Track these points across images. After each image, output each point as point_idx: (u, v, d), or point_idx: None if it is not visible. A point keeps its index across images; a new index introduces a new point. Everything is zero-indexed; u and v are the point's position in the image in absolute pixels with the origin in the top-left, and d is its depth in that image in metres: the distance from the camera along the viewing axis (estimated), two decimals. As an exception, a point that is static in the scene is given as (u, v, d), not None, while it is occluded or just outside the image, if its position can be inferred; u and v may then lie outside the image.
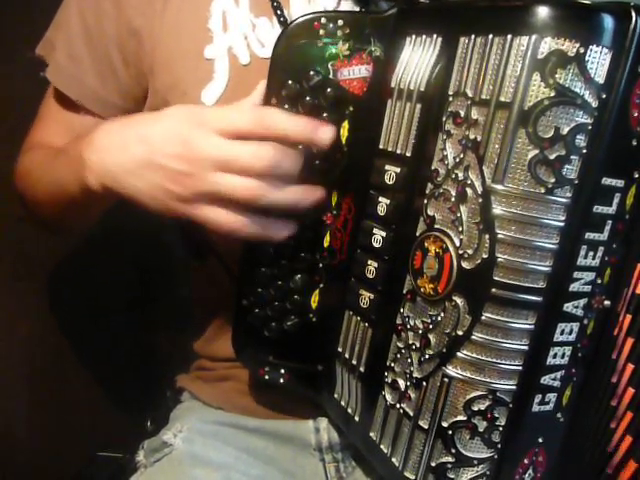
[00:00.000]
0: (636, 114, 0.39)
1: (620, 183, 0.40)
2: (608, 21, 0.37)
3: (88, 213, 0.62)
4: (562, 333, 0.42)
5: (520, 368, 0.42)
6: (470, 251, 0.41)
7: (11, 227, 0.83)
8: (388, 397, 0.49)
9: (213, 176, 0.44)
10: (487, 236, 0.40)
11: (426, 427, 0.45)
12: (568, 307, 0.42)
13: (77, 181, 0.52)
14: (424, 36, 0.46)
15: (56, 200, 0.58)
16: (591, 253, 0.41)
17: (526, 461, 0.45)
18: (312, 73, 0.50)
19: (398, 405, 0.48)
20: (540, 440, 0.45)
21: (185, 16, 0.57)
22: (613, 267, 0.42)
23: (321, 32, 0.50)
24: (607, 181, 0.40)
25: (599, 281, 0.42)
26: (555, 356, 0.43)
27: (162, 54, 0.58)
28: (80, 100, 0.61)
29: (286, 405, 0.62)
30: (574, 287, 0.41)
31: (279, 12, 0.58)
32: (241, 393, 0.62)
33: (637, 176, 0.40)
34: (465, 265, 0.42)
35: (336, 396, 0.57)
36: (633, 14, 0.37)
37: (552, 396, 0.44)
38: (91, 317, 0.91)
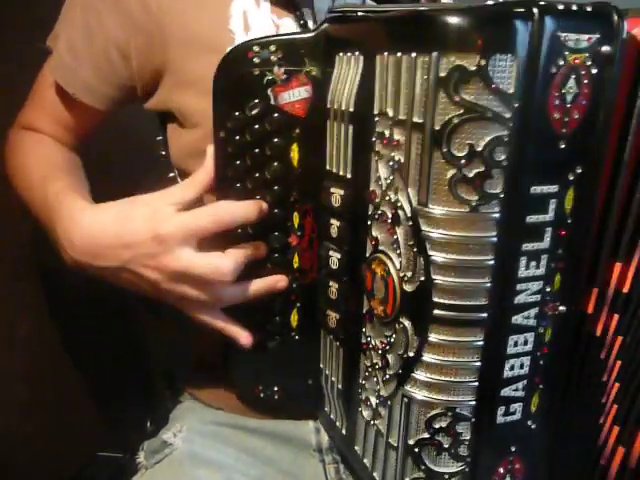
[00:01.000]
0: (558, 116, 0.36)
1: (553, 188, 0.38)
2: (509, 26, 0.34)
3: None
4: (516, 345, 0.41)
5: (476, 384, 0.42)
6: (409, 274, 0.41)
7: (11, 227, 0.83)
8: (365, 414, 0.49)
9: (180, 285, 0.51)
10: (421, 258, 0.40)
11: (396, 445, 0.45)
12: (517, 319, 0.41)
13: (58, 246, 0.56)
14: (349, 54, 0.45)
15: (39, 219, 0.61)
16: (533, 263, 0.39)
17: (501, 470, 0.45)
18: (253, 102, 0.50)
19: (372, 422, 0.48)
20: (513, 449, 0.45)
21: (204, 15, 0.57)
22: (563, 272, 0.40)
23: (255, 60, 0.50)
24: (537, 189, 0.38)
25: (548, 289, 0.40)
26: (512, 368, 0.42)
27: (178, 52, 0.58)
28: (75, 94, 0.62)
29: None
30: (520, 299, 0.40)
31: (298, 13, 0.57)
32: None
33: (572, 178, 0.38)
34: (406, 288, 0.41)
35: (326, 409, 0.58)
36: (536, 13, 0.34)
37: (517, 406, 0.43)
38: (91, 317, 0.91)
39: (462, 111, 0.36)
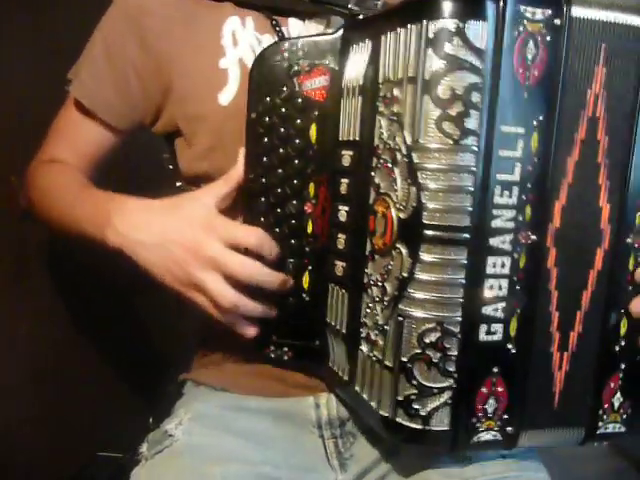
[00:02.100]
0: (521, 70, 0.46)
1: (520, 130, 0.47)
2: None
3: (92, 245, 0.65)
4: (494, 266, 0.49)
5: (461, 300, 0.48)
6: (404, 203, 0.49)
7: (11, 227, 0.85)
8: (364, 349, 0.55)
9: (205, 272, 0.57)
10: (414, 188, 0.48)
11: (391, 365, 0.51)
12: (494, 242, 0.48)
13: (96, 231, 0.62)
14: (360, 43, 0.57)
15: (67, 227, 0.67)
16: (507, 192, 0.48)
17: (484, 390, 0.50)
18: (281, 88, 0.62)
19: (371, 353, 0.54)
20: (495, 370, 0.50)
21: (201, 37, 0.70)
22: (532, 204, 0.49)
23: (286, 54, 0.62)
24: (507, 129, 0.47)
25: (520, 218, 0.48)
26: (492, 287, 0.49)
27: (180, 70, 0.69)
28: (93, 109, 0.72)
29: (289, 381, 0.67)
30: (496, 223, 0.48)
31: (277, 29, 0.70)
32: (244, 373, 0.68)
33: (535, 124, 0.47)
34: (402, 216, 0.50)
35: (330, 364, 0.63)
36: (501, -10, 0.45)
37: (498, 327, 0.50)
38: (91, 317, 0.94)
39: (446, 63, 0.46)
